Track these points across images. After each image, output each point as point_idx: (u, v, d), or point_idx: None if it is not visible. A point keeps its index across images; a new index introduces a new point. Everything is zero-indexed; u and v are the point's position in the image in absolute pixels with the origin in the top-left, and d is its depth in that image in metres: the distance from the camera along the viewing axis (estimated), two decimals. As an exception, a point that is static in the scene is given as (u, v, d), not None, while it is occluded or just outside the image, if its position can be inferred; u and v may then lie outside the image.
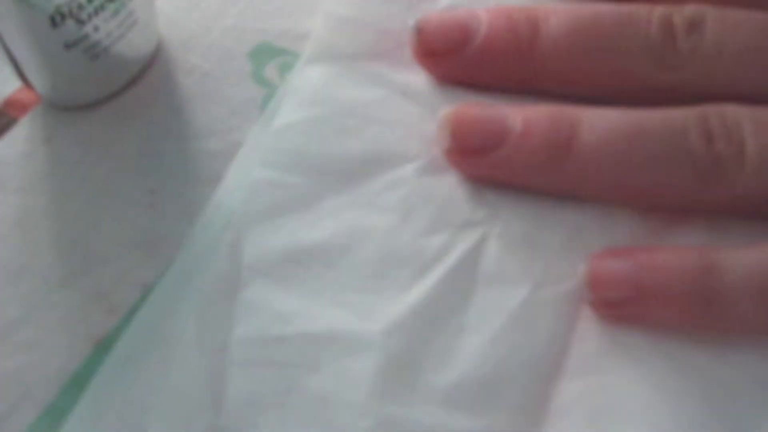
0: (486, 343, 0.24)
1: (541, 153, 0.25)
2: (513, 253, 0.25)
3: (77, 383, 0.25)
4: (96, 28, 0.28)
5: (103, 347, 0.25)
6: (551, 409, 0.24)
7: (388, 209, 0.26)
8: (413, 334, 0.24)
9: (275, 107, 0.29)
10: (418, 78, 0.29)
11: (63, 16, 0.27)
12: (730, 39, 0.26)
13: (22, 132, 0.29)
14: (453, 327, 0.24)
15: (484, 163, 0.26)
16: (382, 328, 0.24)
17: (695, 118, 0.25)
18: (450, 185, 0.26)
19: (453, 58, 0.28)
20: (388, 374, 0.23)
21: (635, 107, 0.26)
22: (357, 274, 0.25)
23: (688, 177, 0.24)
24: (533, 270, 0.25)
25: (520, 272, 0.25)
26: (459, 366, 0.24)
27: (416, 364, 0.24)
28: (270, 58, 0.30)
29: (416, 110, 0.28)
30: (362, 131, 0.27)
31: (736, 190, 0.24)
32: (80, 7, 0.27)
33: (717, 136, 0.24)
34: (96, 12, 0.28)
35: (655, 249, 0.24)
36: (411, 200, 0.26)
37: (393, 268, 0.25)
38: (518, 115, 0.26)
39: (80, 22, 0.28)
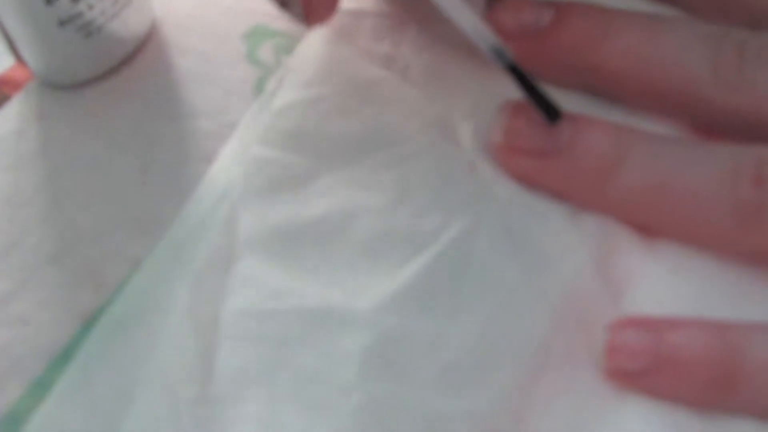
0: (477, 326, 0.24)
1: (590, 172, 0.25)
2: (507, 237, 0.25)
3: (65, 359, 0.25)
4: (90, 6, 0.28)
5: (91, 323, 0.25)
6: (539, 394, 0.23)
7: (383, 189, 0.26)
8: (404, 313, 0.24)
9: (275, 87, 0.29)
10: (417, 61, 0.29)
11: (57, -7, 0.27)
12: None
13: (15, 109, 0.29)
14: (444, 308, 0.24)
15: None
16: (374, 306, 0.24)
17: (749, 160, 0.24)
18: (446, 167, 0.26)
19: (519, 44, 0.27)
20: (377, 353, 0.23)
21: (691, 125, 0.26)
22: (350, 253, 0.25)
23: (728, 221, 0.24)
24: (527, 255, 0.25)
25: (513, 256, 0.25)
26: (448, 348, 0.23)
27: (406, 343, 0.23)
28: (265, 40, 0.30)
29: (414, 92, 0.28)
30: (360, 112, 0.27)
31: None
32: (75, -16, 0.27)
33: (766, 183, 0.23)
34: (91, -11, 0.28)
35: (678, 323, 0.24)
36: (406, 181, 0.26)
37: (386, 248, 0.25)
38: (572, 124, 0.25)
39: (74, 0, 0.27)
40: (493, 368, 0.23)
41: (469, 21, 0.25)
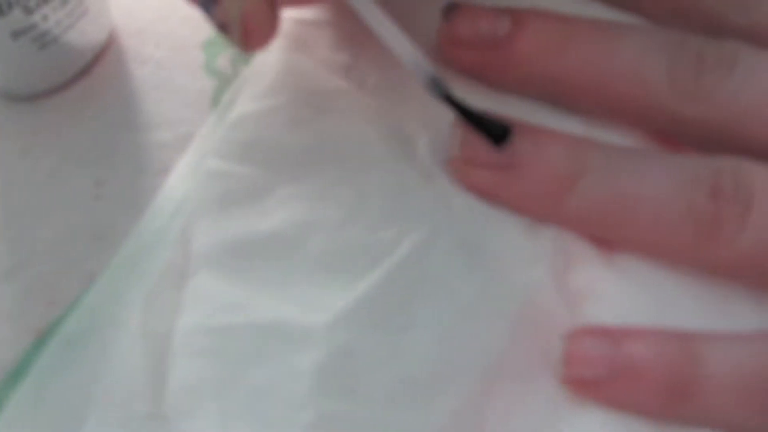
0: (430, 341, 0.24)
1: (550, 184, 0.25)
2: (462, 250, 0.25)
3: (17, 375, 0.24)
4: (45, 17, 0.28)
5: (44, 339, 0.25)
6: (496, 407, 0.23)
7: (339, 202, 0.26)
8: (358, 328, 0.24)
9: (231, 98, 0.29)
10: (375, 72, 0.28)
11: (10, 5, 0.27)
12: (757, 80, 0.25)
13: (-30, 121, 0.29)
14: (398, 323, 0.24)
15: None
16: (327, 321, 0.24)
17: (707, 171, 0.24)
18: (402, 179, 0.26)
19: (476, 53, 0.27)
20: (330, 368, 0.23)
21: (650, 134, 0.26)
22: (304, 267, 0.25)
23: (687, 233, 0.24)
24: (483, 267, 0.25)
25: (469, 269, 0.25)
26: (402, 363, 0.23)
27: (360, 359, 0.23)
28: (223, 50, 0.30)
29: (372, 103, 0.28)
30: (317, 123, 0.27)
31: (730, 253, 0.23)
32: (28, -5, 0.27)
33: (724, 195, 0.23)
34: (45, 0, 0.27)
35: (636, 332, 0.24)
36: (362, 193, 0.26)
37: (341, 261, 0.25)
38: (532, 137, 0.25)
39: (28, 11, 0.27)
40: (449, 381, 0.23)
41: (404, 50, 0.25)
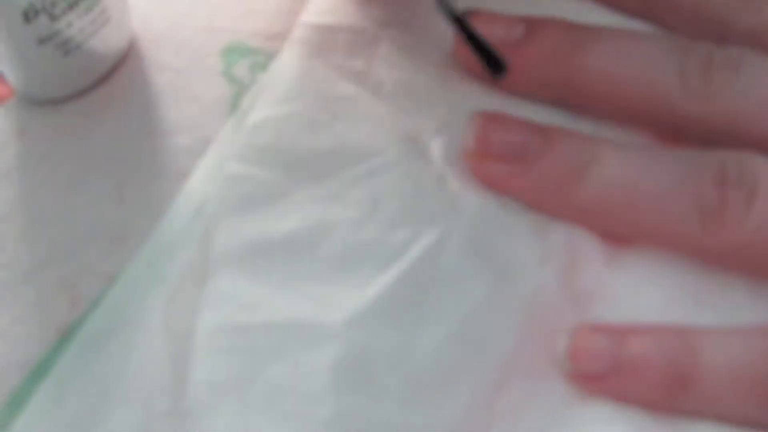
0: (442, 340, 0.24)
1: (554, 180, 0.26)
2: (473, 251, 0.26)
3: (41, 373, 0.25)
4: (69, 24, 0.28)
5: (67, 337, 0.25)
6: (505, 404, 0.24)
7: (354, 203, 0.26)
8: (373, 327, 0.24)
9: (249, 105, 0.29)
10: (390, 77, 0.29)
11: (36, 12, 0.27)
12: (762, 82, 0.26)
13: (-5, 125, 0.30)
14: (412, 321, 0.24)
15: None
16: (343, 320, 0.24)
17: (713, 161, 0.25)
18: (415, 181, 0.27)
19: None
20: (347, 365, 0.24)
21: (659, 136, 0.27)
22: (321, 267, 0.25)
23: (694, 220, 0.24)
24: (493, 267, 0.25)
25: (480, 269, 0.25)
26: (415, 360, 0.24)
27: (375, 356, 0.24)
28: (241, 57, 0.31)
29: (386, 108, 0.28)
30: (332, 127, 0.28)
31: (735, 239, 0.24)
32: (53, 3, 0.28)
33: (729, 182, 0.24)
34: (70, 8, 0.28)
35: (639, 328, 0.24)
36: (377, 195, 0.27)
37: (356, 262, 0.25)
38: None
39: (53, 18, 0.28)
40: (459, 380, 0.24)
41: None
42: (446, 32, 0.28)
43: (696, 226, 0.24)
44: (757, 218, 0.24)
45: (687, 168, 0.25)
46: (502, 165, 0.26)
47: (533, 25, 0.28)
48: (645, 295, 0.25)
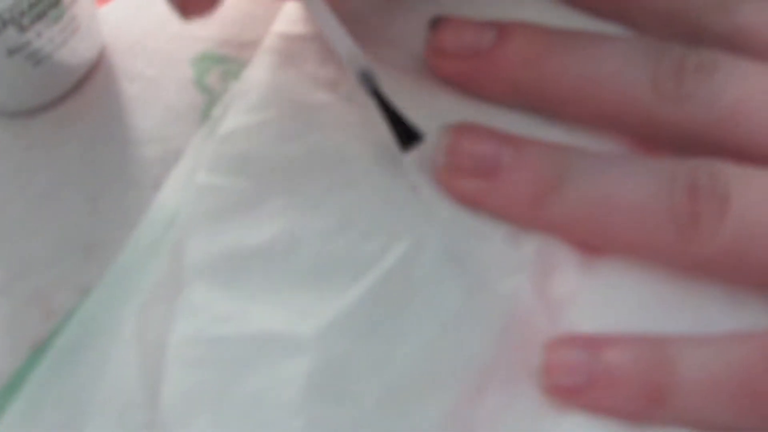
0: (417, 349, 0.24)
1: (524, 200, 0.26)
2: (448, 259, 0.26)
3: (15, 386, 0.25)
4: (38, 34, 0.28)
5: (40, 351, 0.25)
6: (482, 413, 0.24)
7: (327, 213, 0.27)
8: (347, 337, 0.24)
9: (221, 114, 0.29)
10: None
11: (5, 23, 0.27)
12: (735, 85, 0.26)
13: (-36, 137, 0.29)
14: (386, 332, 0.25)
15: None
16: (317, 330, 0.24)
17: (685, 171, 0.25)
18: (388, 190, 0.27)
19: (461, 63, 0.28)
20: (320, 376, 0.24)
21: (632, 141, 0.27)
22: (295, 277, 0.26)
23: (668, 231, 0.24)
24: (468, 276, 0.26)
25: (454, 278, 0.25)
26: (390, 370, 0.24)
27: (349, 367, 0.24)
28: (212, 66, 0.31)
29: (359, 116, 0.28)
30: (305, 136, 0.28)
31: (710, 249, 0.24)
32: (22, 13, 0.27)
33: (702, 192, 0.24)
34: (38, 18, 0.28)
35: (613, 339, 0.24)
36: (350, 204, 0.27)
37: (330, 272, 0.26)
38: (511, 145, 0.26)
39: (22, 29, 0.28)
40: (436, 389, 0.24)
41: (341, 41, 0.26)
42: (419, 41, 0.28)
43: (670, 239, 0.25)
44: (731, 229, 0.24)
45: (659, 180, 0.25)
46: (473, 180, 0.26)
47: (504, 30, 0.28)
48: (620, 301, 0.25)
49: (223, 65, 0.31)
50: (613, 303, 0.26)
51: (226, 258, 0.26)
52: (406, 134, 0.26)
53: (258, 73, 0.29)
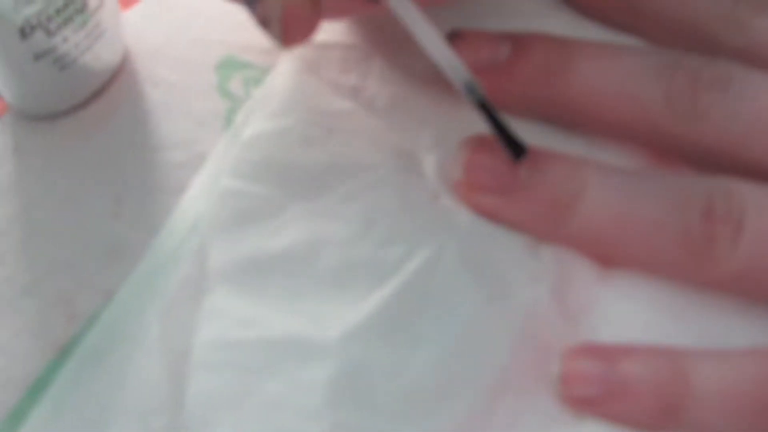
0: (436, 356, 0.24)
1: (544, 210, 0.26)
2: (467, 268, 0.26)
3: (40, 388, 0.25)
4: (64, 40, 0.29)
5: (65, 353, 0.26)
6: (499, 420, 0.24)
7: (348, 219, 0.27)
8: (368, 343, 0.25)
9: (244, 119, 0.29)
10: (383, 92, 0.29)
11: (32, 28, 0.28)
12: (751, 100, 0.26)
13: (-10, 141, 0.30)
14: (406, 338, 0.25)
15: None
16: (338, 336, 0.24)
17: (700, 192, 0.25)
18: (409, 197, 0.27)
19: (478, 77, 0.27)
20: (341, 381, 0.24)
21: (650, 153, 0.27)
22: (316, 283, 0.26)
23: (683, 252, 0.25)
24: (487, 284, 0.26)
25: (474, 286, 0.26)
26: (411, 376, 0.24)
27: (370, 372, 0.24)
28: (235, 72, 0.31)
29: (380, 124, 0.29)
30: (326, 142, 0.28)
31: (724, 271, 0.24)
32: (49, 18, 0.28)
33: (717, 214, 0.24)
34: (65, 23, 0.28)
35: (630, 350, 0.25)
36: (371, 211, 0.27)
37: (351, 278, 0.26)
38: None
39: (49, 34, 0.28)
40: (454, 395, 0.24)
41: (443, 55, 0.25)
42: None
43: (685, 260, 0.25)
44: (745, 252, 0.24)
45: (675, 201, 0.25)
46: (490, 195, 0.26)
47: (519, 44, 0.28)
48: (637, 312, 0.25)
49: (245, 71, 0.31)
50: (630, 314, 0.26)
51: (249, 263, 0.26)
52: (513, 146, 0.26)
53: (280, 79, 0.30)
